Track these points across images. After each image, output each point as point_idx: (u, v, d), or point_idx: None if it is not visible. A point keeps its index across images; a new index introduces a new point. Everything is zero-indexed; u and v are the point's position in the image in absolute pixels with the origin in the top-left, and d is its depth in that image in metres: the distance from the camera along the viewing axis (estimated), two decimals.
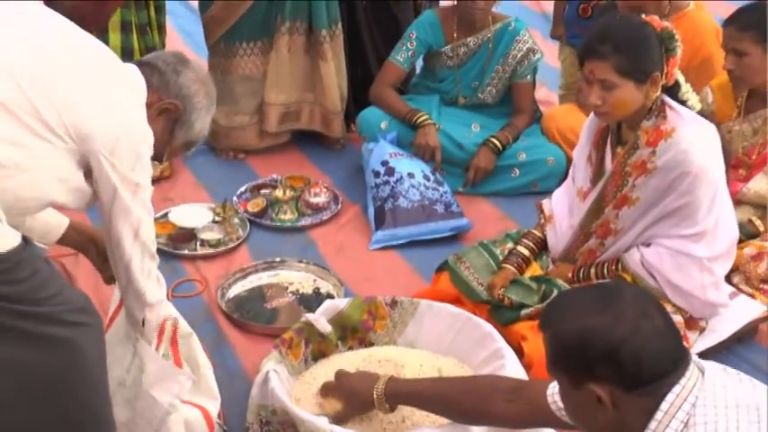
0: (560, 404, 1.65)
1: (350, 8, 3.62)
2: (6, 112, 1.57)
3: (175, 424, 1.98)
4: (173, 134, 1.95)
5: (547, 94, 4.14)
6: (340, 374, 2.11)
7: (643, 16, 2.44)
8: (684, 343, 1.52)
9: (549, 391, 1.71)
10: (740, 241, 2.71)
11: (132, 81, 1.83)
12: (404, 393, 1.99)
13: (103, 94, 1.72)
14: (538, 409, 1.73)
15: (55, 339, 1.62)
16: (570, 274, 2.56)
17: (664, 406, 1.37)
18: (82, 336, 1.67)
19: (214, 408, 2.13)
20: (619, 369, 1.37)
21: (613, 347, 1.37)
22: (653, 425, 1.38)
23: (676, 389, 1.38)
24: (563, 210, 2.64)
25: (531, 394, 1.77)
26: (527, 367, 2.28)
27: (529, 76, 3.47)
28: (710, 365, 1.44)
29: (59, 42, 1.75)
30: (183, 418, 2.00)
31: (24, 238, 1.62)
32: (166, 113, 1.90)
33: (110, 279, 2.11)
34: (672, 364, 1.39)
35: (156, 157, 1.91)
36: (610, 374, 1.38)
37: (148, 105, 1.84)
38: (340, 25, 3.55)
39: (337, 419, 2.03)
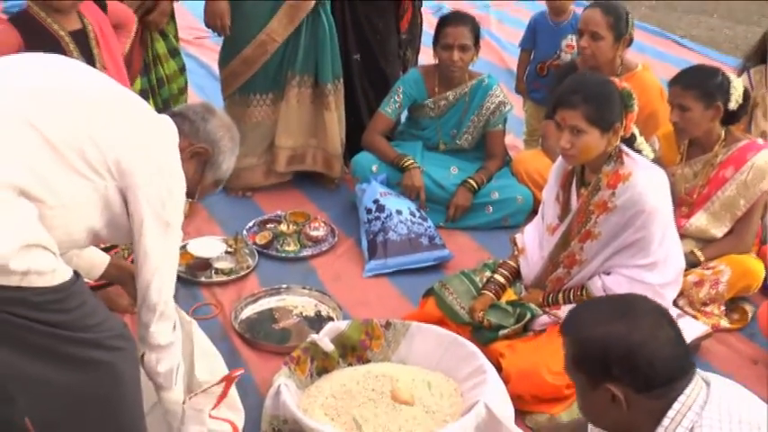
0: None
1: (346, 65, 3.63)
2: (55, 151, 1.57)
3: None
4: (203, 174, 1.95)
5: (513, 139, 4.16)
6: None
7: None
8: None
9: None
10: (685, 270, 2.71)
11: (166, 129, 1.83)
12: None
13: (140, 136, 1.72)
14: None
15: (97, 362, 1.63)
16: (541, 299, 2.57)
17: (670, 413, 1.36)
18: (119, 359, 1.67)
19: (240, 420, 2.10)
20: (634, 371, 1.36)
21: (631, 351, 1.36)
22: (661, 429, 1.36)
23: (682, 398, 1.36)
24: (534, 243, 2.64)
25: None
26: (505, 381, 2.28)
27: (500, 125, 3.49)
28: (715, 378, 1.43)
29: (105, 93, 1.77)
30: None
31: (75, 273, 1.62)
32: (197, 156, 1.90)
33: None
34: (680, 371, 1.38)
35: (190, 195, 1.91)
36: (625, 376, 1.37)
37: (181, 150, 1.83)
38: (342, 79, 3.56)
39: None
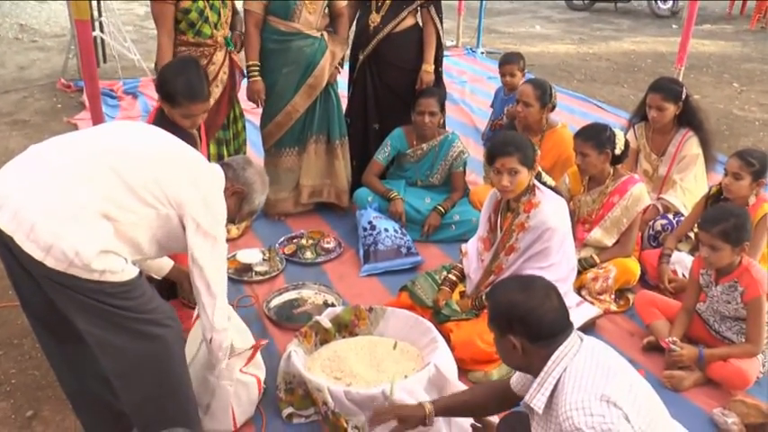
0: (517, 386, 1.65)
1: (365, 131, 3.64)
2: (130, 188, 1.62)
3: (223, 390, 2.00)
4: (240, 207, 1.98)
5: (476, 178, 4.12)
6: (396, 409, 1.86)
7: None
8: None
9: (511, 382, 1.72)
10: (585, 269, 2.81)
11: (215, 175, 1.87)
12: (442, 408, 1.84)
13: (193, 181, 1.74)
14: (509, 396, 1.74)
15: (153, 335, 1.66)
16: (470, 305, 2.56)
17: (554, 356, 1.40)
18: (168, 332, 1.70)
19: (263, 375, 2.17)
20: (528, 328, 1.41)
21: (526, 314, 1.41)
22: (546, 368, 1.41)
23: (561, 347, 1.40)
24: (474, 251, 2.68)
25: (504, 390, 1.77)
26: (452, 348, 2.33)
27: (461, 168, 3.48)
28: (588, 338, 1.47)
29: (175, 153, 1.79)
30: (230, 390, 2.00)
31: (139, 273, 1.65)
32: (237, 194, 1.94)
33: (193, 303, 2.14)
34: (561, 330, 1.41)
35: (231, 221, 1.94)
36: (521, 331, 1.42)
37: (225, 189, 1.86)
38: (347, 137, 3.57)
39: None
